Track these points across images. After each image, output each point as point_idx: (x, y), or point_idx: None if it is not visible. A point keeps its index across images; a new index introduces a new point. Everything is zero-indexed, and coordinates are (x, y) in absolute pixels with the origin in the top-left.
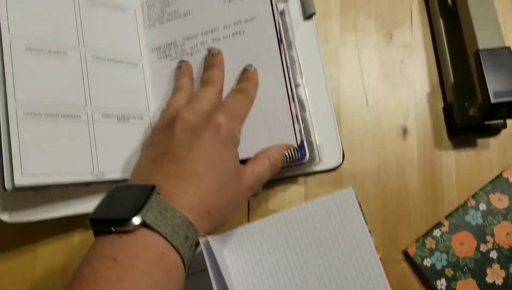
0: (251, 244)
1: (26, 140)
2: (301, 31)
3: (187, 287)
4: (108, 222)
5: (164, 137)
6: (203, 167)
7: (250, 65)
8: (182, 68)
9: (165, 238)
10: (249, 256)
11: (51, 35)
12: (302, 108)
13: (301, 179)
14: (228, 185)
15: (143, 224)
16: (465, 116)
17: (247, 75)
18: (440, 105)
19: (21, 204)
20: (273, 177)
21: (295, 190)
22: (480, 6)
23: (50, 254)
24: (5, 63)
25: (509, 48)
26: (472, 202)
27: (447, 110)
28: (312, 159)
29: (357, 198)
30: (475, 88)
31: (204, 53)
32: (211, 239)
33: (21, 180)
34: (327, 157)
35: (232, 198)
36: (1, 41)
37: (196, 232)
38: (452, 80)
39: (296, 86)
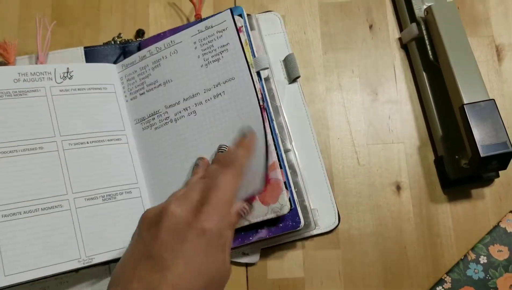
0: None
1: (6, 242)
2: (287, 94)
3: None
4: None
5: (149, 234)
6: (188, 278)
7: (248, 129)
8: (198, 166)
9: None
10: None
11: (26, 135)
12: (294, 172)
13: (298, 244)
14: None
15: None
16: (456, 168)
17: (243, 141)
18: (431, 157)
19: None
20: (269, 245)
21: (293, 256)
22: (461, 60)
23: None
24: None
25: (493, 100)
26: (472, 256)
27: (439, 163)
28: (307, 225)
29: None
30: (463, 140)
31: (188, 118)
32: None
33: (3, 281)
34: (323, 220)
35: None
36: None
37: None
38: (441, 132)
39: (286, 151)
